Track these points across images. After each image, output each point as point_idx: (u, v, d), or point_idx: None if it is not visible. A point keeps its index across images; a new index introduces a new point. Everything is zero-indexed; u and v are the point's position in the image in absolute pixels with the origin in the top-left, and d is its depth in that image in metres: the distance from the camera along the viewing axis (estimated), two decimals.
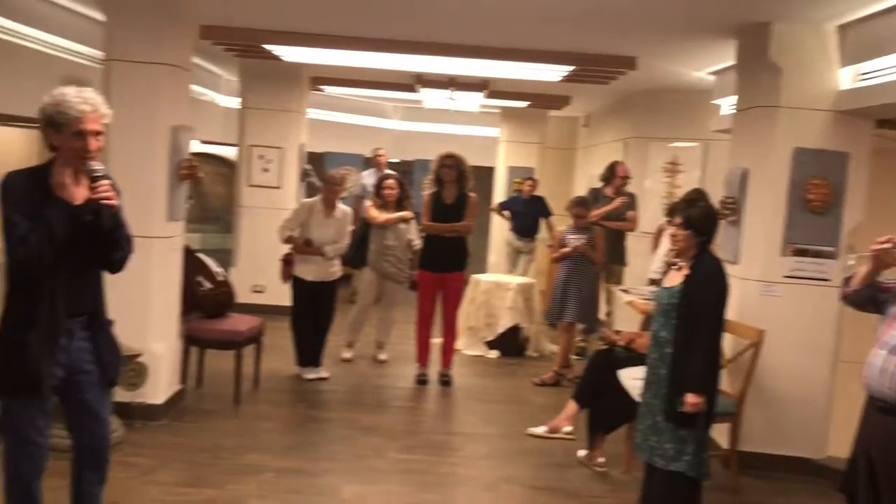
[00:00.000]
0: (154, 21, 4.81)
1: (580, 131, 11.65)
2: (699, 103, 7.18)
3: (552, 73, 7.10)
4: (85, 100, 2.71)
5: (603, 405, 4.67)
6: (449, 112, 10.32)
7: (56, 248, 2.71)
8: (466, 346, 7.30)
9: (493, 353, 7.28)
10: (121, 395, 4.66)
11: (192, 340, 5.44)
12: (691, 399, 3.40)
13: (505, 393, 6.24)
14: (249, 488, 4.07)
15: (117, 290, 4.85)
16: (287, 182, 8.41)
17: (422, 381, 6.25)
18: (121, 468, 4.20)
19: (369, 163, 9.74)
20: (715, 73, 6.40)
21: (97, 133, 2.75)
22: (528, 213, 8.97)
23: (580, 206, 6.45)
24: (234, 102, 8.99)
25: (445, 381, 6.26)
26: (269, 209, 8.22)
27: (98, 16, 5.71)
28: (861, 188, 4.75)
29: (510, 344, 7.32)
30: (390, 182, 6.52)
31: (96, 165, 2.75)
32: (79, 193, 2.79)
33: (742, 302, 4.70)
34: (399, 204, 6.51)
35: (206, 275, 5.53)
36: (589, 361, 5.01)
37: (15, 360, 2.77)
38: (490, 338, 7.32)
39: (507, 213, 9.27)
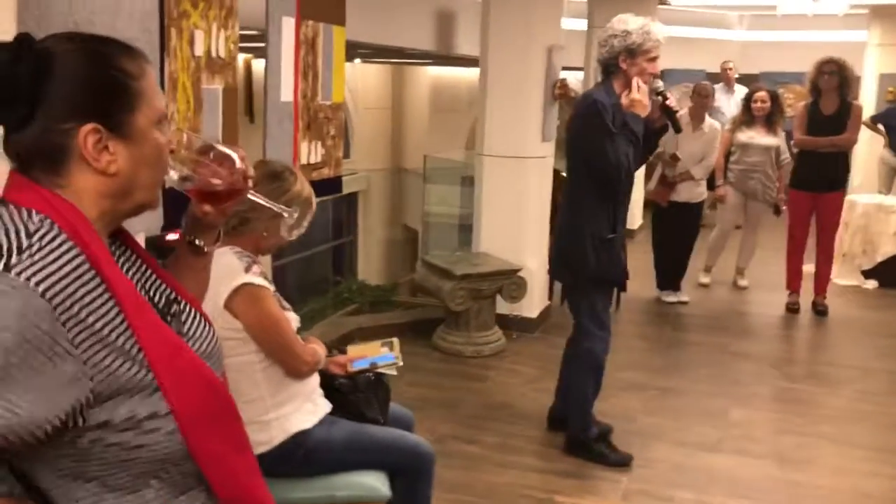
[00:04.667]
0: None
1: None
2: None
3: None
4: (661, 32, 3.05)
5: None
6: (804, 17, 9.24)
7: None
8: (838, 274, 6.61)
9: (870, 284, 6.53)
10: (501, 306, 4.95)
11: None
12: None
13: (894, 327, 5.58)
14: (635, 404, 4.10)
15: (496, 209, 5.13)
16: None
17: (793, 309, 5.80)
18: (508, 374, 4.48)
19: (715, 78, 9.13)
20: None
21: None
22: None
23: None
24: (580, 24, 8.88)
25: (821, 310, 5.75)
26: None
27: None
28: None
29: (891, 274, 6.51)
30: (762, 94, 5.88)
31: (659, 83, 3.12)
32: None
33: None
34: (769, 120, 5.93)
35: None
36: None
37: (612, 257, 3.21)
38: (867, 266, 6.57)
39: (881, 127, 8.15)
